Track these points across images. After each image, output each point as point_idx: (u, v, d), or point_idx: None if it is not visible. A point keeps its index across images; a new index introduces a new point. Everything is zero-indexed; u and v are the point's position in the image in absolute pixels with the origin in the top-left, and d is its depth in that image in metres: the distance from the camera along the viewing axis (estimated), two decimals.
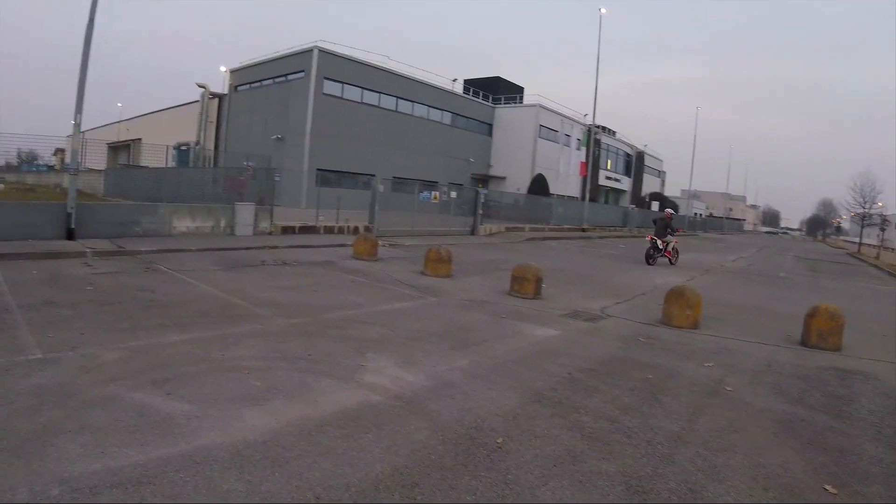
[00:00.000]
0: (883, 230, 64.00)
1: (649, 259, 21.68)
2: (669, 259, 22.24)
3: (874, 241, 66.86)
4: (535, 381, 6.21)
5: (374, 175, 26.32)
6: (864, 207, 56.73)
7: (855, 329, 10.45)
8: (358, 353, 6.68)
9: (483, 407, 5.26)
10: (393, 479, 3.78)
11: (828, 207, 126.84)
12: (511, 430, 4.80)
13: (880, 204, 59.51)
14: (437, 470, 3.96)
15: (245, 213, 18.34)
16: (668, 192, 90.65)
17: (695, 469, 4.38)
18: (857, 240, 64.21)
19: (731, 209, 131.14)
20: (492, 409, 5.21)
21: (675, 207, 78.78)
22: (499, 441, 4.54)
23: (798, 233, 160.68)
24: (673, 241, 22.26)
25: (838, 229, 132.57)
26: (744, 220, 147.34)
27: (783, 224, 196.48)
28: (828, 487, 4.26)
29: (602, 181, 63.75)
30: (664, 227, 22.03)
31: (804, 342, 9.33)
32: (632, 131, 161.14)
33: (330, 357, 6.41)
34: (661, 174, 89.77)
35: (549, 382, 6.23)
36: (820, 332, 9.19)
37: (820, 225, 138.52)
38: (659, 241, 21.67)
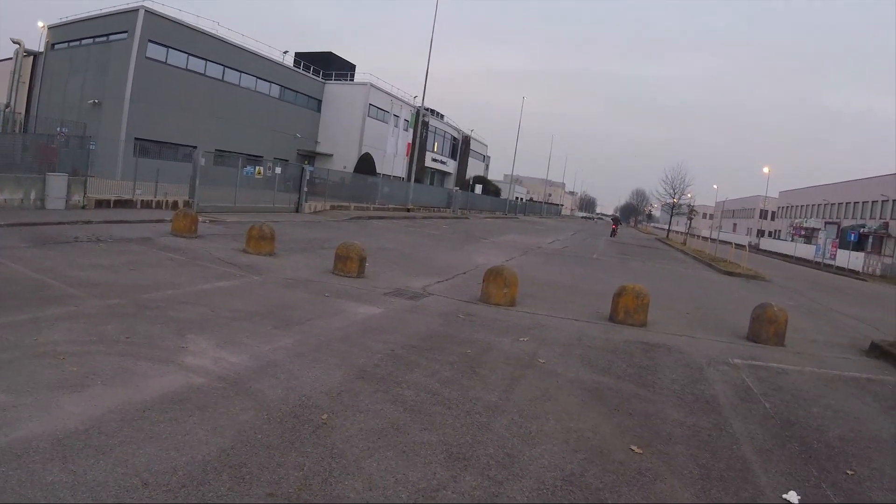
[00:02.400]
0: (690, 219, 71.01)
1: (612, 235, 48.61)
2: (615, 235, 49.59)
3: (682, 229, 73.89)
4: (359, 359, 6.47)
5: (195, 147, 25.26)
6: (673, 197, 62.39)
7: (659, 307, 11.75)
8: (179, 334, 6.56)
9: (307, 385, 5.44)
10: (220, 460, 3.86)
11: (640, 196, 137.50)
12: (335, 406, 5.02)
13: (689, 195, 65.74)
14: (263, 449, 4.09)
15: (57, 184, 16.98)
16: (491, 177, 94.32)
17: (511, 435, 4.86)
18: (666, 227, 70.49)
19: (550, 195, 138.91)
20: (316, 387, 5.40)
21: (497, 192, 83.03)
22: (324, 417, 4.74)
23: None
24: (620, 226, 51.29)
25: (649, 216, 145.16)
26: (562, 205, 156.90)
27: (599, 210, 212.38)
28: (634, 448, 4.90)
29: (428, 163, 65.06)
30: (617, 220, 54.38)
31: (612, 318, 10.39)
32: (462, 115, 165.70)
33: (150, 339, 6.26)
34: (485, 159, 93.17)
35: (372, 359, 6.52)
36: (627, 309, 10.28)
37: (632, 212, 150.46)
38: (615, 227, 50.88)
